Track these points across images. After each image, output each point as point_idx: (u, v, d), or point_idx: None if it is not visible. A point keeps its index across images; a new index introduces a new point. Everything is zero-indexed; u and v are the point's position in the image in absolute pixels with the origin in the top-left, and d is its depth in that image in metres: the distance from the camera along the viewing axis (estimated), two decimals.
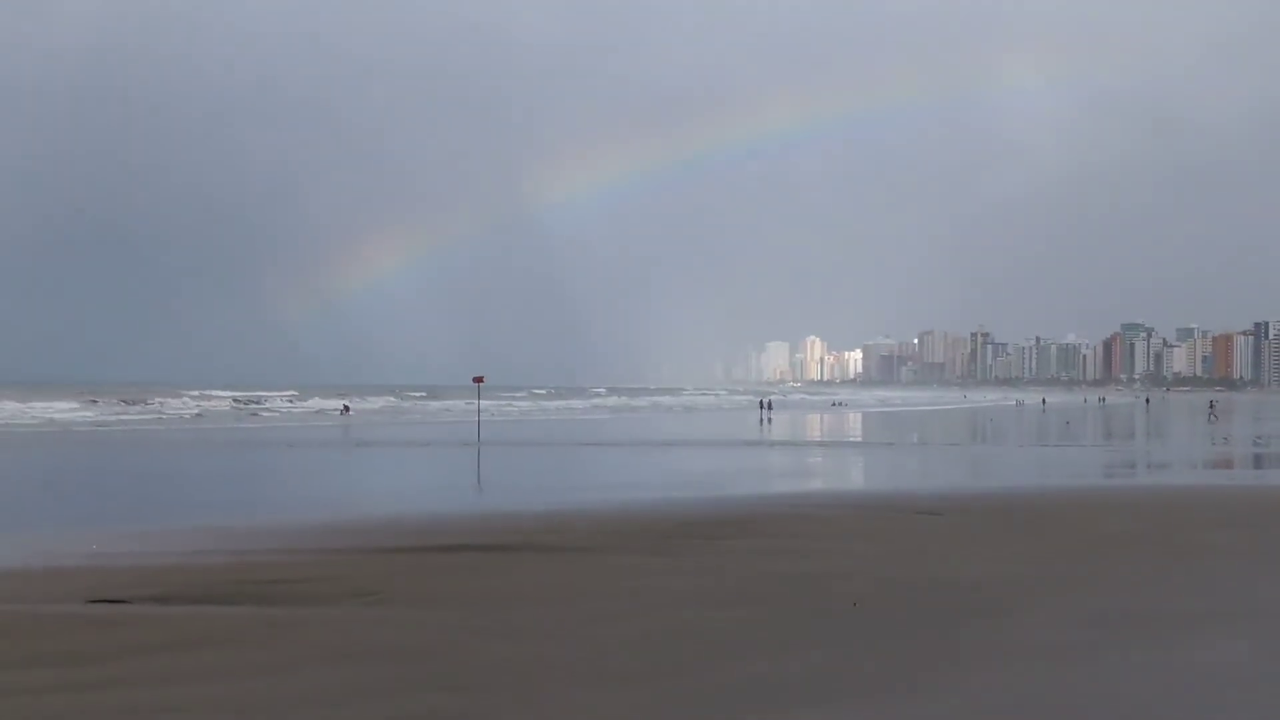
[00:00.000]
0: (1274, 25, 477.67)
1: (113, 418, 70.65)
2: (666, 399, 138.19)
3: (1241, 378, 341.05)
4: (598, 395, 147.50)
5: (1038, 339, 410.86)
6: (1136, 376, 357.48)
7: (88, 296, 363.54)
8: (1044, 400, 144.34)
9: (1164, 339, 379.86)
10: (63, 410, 75.01)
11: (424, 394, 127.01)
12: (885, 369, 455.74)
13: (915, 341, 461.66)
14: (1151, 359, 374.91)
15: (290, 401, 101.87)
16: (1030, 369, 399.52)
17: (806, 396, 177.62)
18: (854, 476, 32.67)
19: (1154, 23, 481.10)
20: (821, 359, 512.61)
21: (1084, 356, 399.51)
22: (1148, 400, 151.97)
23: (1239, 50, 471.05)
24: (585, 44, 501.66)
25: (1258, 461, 38.70)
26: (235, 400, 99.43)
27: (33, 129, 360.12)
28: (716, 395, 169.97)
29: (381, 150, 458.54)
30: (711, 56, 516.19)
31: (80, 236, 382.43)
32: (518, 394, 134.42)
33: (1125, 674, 9.16)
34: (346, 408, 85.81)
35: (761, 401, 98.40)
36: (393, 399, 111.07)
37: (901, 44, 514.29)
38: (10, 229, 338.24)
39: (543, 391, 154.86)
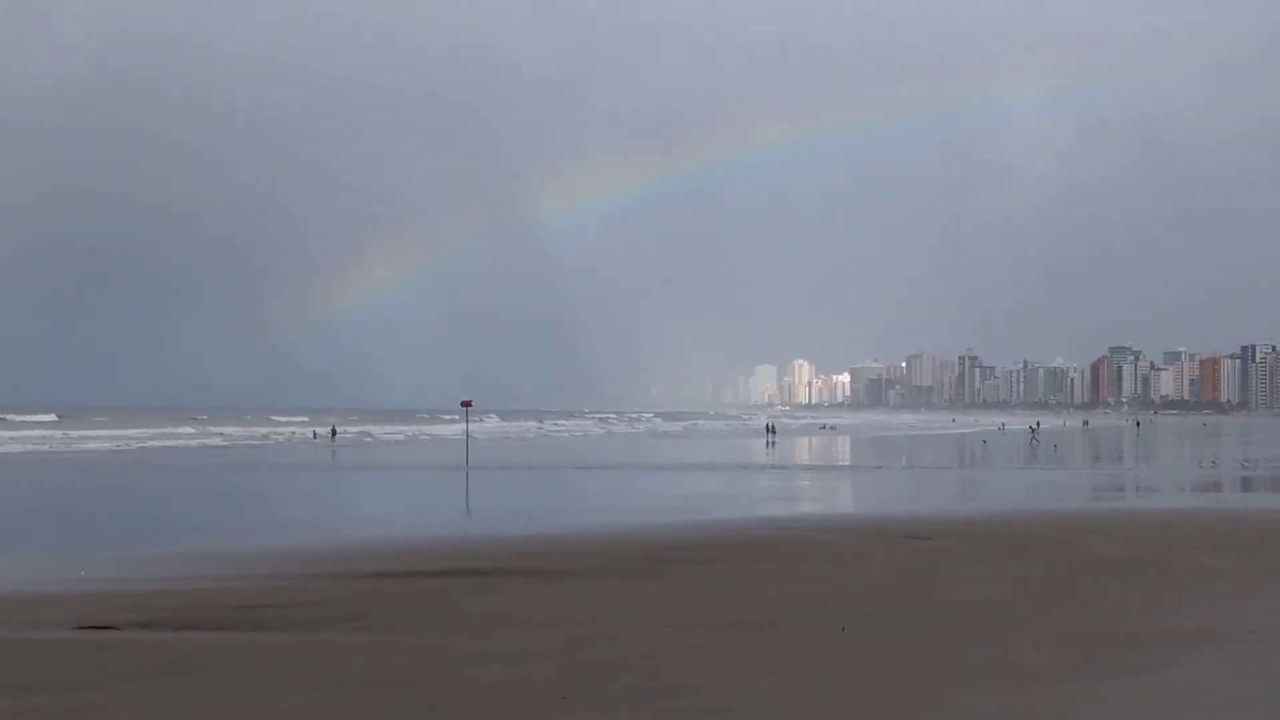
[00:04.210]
0: (1266, 48, 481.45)
1: (233, 444, 71.97)
2: (675, 424, 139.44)
3: (1229, 401, 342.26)
4: (603, 418, 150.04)
5: (1025, 362, 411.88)
6: (1124, 400, 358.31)
7: (85, 319, 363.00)
8: (1038, 423, 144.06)
9: (1151, 362, 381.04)
10: (185, 437, 78.77)
11: (414, 417, 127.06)
12: (874, 392, 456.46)
13: (903, 365, 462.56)
14: (1139, 382, 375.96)
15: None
16: (1018, 392, 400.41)
17: (795, 420, 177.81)
18: (844, 500, 32.67)
19: (1146, 45, 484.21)
20: (810, 382, 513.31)
21: (1071, 380, 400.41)
22: (1138, 423, 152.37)
23: (1231, 72, 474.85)
24: (581, 65, 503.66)
25: (1245, 485, 38.79)
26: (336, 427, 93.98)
27: (32, 154, 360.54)
28: (731, 421, 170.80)
29: (379, 173, 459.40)
30: (706, 78, 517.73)
31: (74, 260, 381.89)
32: (527, 417, 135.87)
33: (1110, 696, 9.17)
34: (334, 431, 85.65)
35: (768, 425, 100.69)
36: (384, 423, 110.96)
37: (892, 66, 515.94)
38: (6, 254, 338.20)
39: (604, 416, 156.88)
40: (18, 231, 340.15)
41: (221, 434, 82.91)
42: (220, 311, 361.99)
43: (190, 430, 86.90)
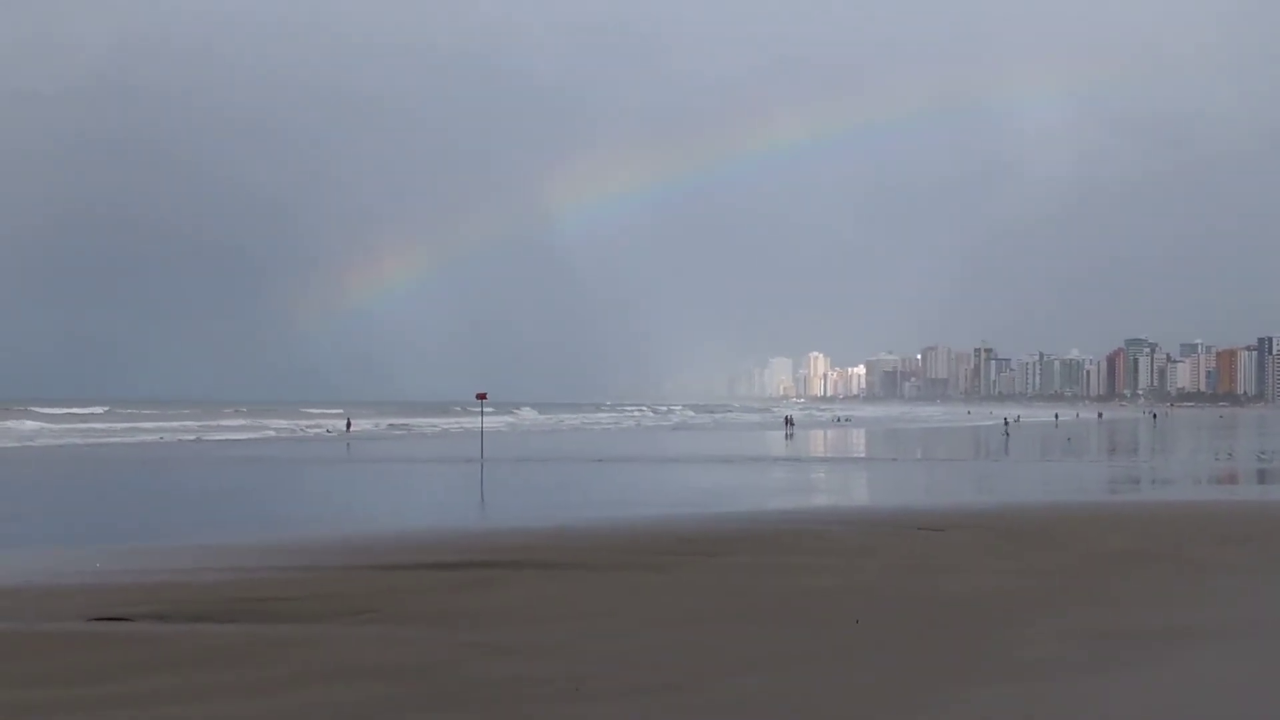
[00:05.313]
0: None
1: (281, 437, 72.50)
2: (706, 417, 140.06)
3: (1245, 393, 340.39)
4: (636, 410, 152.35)
5: (1041, 354, 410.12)
6: (1140, 392, 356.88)
7: (98, 312, 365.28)
8: (1056, 415, 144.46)
9: (1167, 354, 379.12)
10: (237, 430, 79.23)
11: (449, 410, 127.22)
12: (889, 385, 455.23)
13: (919, 357, 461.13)
14: (1155, 374, 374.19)
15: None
16: (1034, 384, 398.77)
17: (821, 412, 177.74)
18: (859, 492, 32.64)
19: (1161, 41, 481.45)
20: (825, 375, 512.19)
21: (1087, 372, 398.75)
22: (1154, 415, 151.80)
23: (1245, 67, 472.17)
24: (596, 61, 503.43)
25: (1260, 477, 38.63)
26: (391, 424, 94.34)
27: (49, 142, 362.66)
28: (762, 413, 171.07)
29: (397, 178, 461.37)
30: (721, 75, 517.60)
31: (85, 252, 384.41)
32: (559, 410, 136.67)
33: (1125, 689, 9.14)
34: (349, 423, 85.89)
35: (786, 418, 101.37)
36: (419, 415, 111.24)
37: (906, 62, 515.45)
38: (16, 246, 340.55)
39: (637, 407, 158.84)
40: (24, 224, 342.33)
41: (272, 428, 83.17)
42: (243, 311, 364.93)
43: (244, 423, 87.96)
